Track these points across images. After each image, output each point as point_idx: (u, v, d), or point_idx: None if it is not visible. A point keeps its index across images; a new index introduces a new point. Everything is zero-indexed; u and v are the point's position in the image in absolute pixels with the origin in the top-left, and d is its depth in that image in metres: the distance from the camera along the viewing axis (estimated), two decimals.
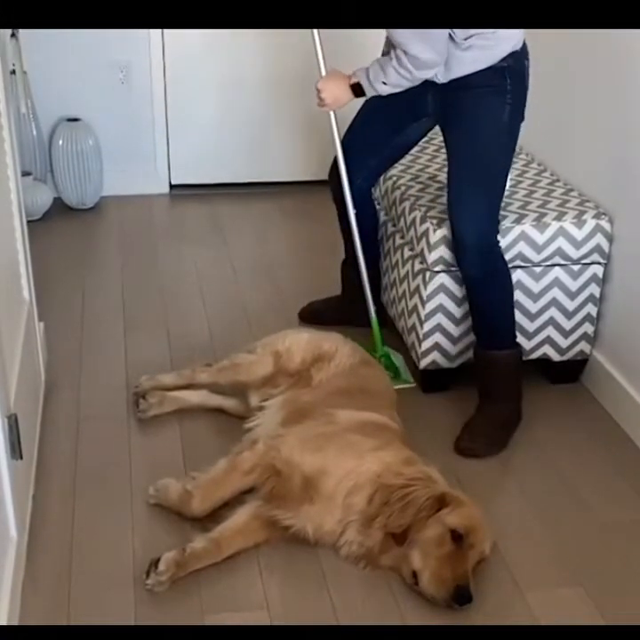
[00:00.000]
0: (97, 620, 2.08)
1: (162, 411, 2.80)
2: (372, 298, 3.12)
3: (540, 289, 2.94)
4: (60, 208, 4.33)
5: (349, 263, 3.26)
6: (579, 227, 2.89)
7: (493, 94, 2.63)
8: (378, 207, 3.26)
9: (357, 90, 2.75)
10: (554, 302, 2.96)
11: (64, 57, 4.20)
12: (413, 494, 2.20)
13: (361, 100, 2.88)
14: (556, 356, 3.03)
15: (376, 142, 2.94)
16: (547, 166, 3.33)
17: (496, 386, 2.79)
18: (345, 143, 2.97)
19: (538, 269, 2.92)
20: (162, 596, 2.15)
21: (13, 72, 3.93)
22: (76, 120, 4.30)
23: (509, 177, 2.83)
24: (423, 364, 2.98)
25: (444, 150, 2.97)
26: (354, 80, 2.75)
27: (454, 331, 2.94)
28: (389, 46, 2.72)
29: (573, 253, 2.91)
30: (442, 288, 2.88)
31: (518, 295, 2.88)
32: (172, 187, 4.60)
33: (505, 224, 2.83)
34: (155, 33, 4.28)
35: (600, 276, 2.95)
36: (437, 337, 2.94)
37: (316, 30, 2.89)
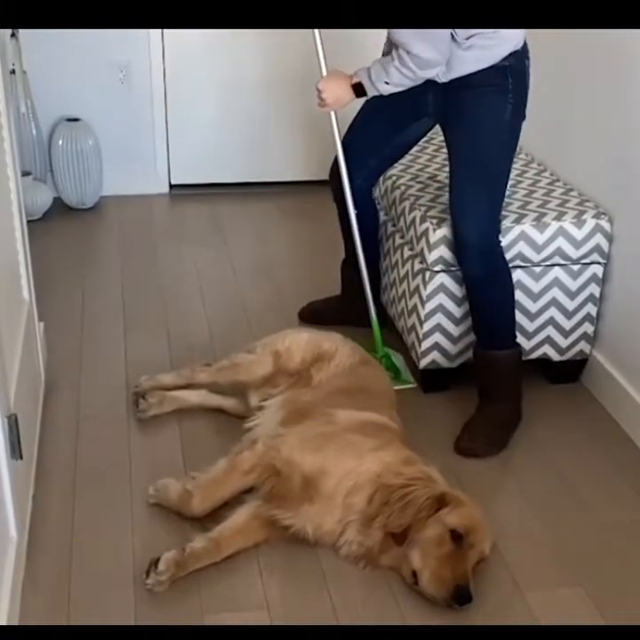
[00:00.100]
0: (97, 620, 2.08)
1: (161, 410, 2.80)
2: (372, 298, 3.12)
3: (540, 289, 2.94)
4: (59, 208, 4.33)
5: (349, 263, 3.26)
6: (578, 226, 2.89)
7: (495, 93, 2.63)
8: (377, 207, 3.26)
9: (359, 90, 2.75)
10: (553, 302, 2.96)
11: (64, 57, 4.20)
12: (413, 494, 2.20)
13: (361, 100, 2.88)
14: (555, 356, 3.03)
15: (376, 142, 2.94)
16: (546, 166, 3.33)
17: (496, 386, 2.79)
18: (345, 143, 2.97)
19: (537, 269, 2.92)
20: (162, 596, 2.15)
21: (13, 72, 3.93)
22: (75, 120, 4.30)
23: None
24: (423, 363, 2.98)
25: (443, 150, 2.97)
26: (355, 80, 2.75)
27: (454, 330, 2.94)
28: (390, 46, 2.72)
29: (573, 253, 2.91)
30: (441, 288, 2.88)
31: (518, 295, 2.88)
32: (171, 186, 4.61)
33: (505, 224, 2.83)
34: (154, 33, 4.28)
35: (600, 275, 2.95)
36: (437, 337, 2.94)
37: (316, 30, 2.89)
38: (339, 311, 3.32)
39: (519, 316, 2.90)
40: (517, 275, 2.88)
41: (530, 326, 2.97)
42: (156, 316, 3.44)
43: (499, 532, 2.34)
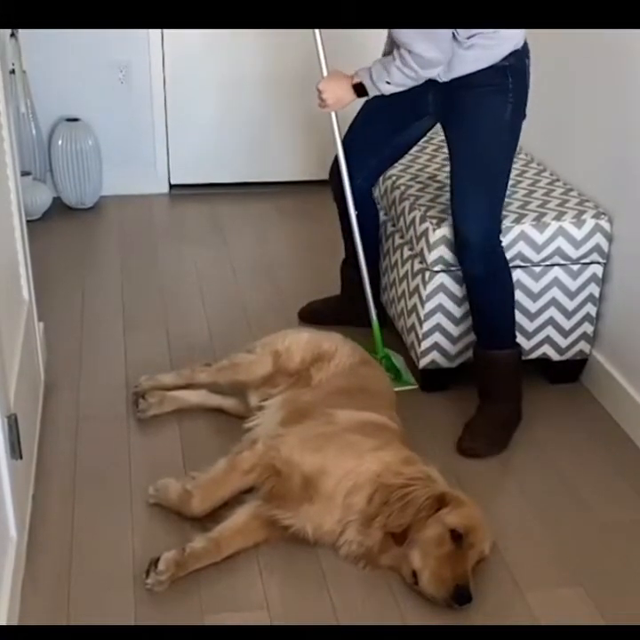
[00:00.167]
0: (97, 620, 2.08)
1: (161, 410, 2.80)
2: (373, 299, 3.11)
3: (540, 289, 2.94)
4: (59, 208, 4.33)
5: (349, 263, 3.26)
6: (578, 226, 2.89)
7: (495, 93, 2.63)
8: (377, 207, 3.26)
9: (360, 90, 2.75)
10: (553, 302, 2.96)
11: (63, 57, 4.20)
12: (413, 494, 2.20)
13: (361, 100, 2.87)
14: (555, 356, 3.03)
15: (377, 142, 2.93)
16: (546, 166, 3.33)
17: (496, 386, 2.79)
18: (345, 143, 2.97)
19: (537, 269, 2.92)
20: (161, 596, 2.15)
21: (13, 72, 3.93)
22: (75, 120, 4.30)
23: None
24: (422, 363, 2.98)
25: (443, 150, 2.97)
26: (356, 80, 2.74)
27: (454, 330, 2.94)
28: (390, 46, 2.71)
29: (573, 253, 2.91)
30: (441, 288, 2.88)
31: (518, 295, 2.88)
32: (171, 186, 4.60)
33: (505, 223, 2.83)
34: (154, 33, 4.28)
35: (599, 275, 2.95)
36: (437, 337, 2.94)
37: (317, 30, 2.88)
38: (338, 311, 3.32)
39: (519, 316, 2.90)
40: (517, 274, 2.88)
41: (529, 326, 2.97)
42: (155, 315, 3.44)
43: (498, 531, 2.34)
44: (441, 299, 2.90)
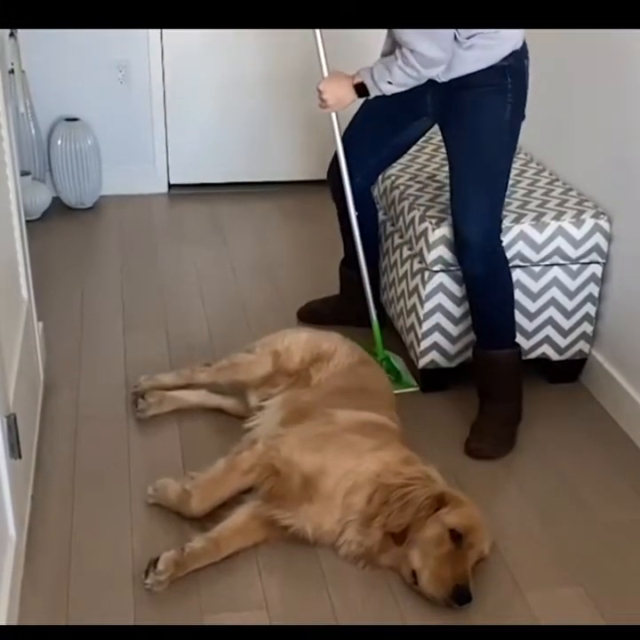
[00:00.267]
0: (96, 620, 2.08)
1: (161, 410, 2.80)
2: (373, 299, 3.11)
3: (539, 288, 2.94)
4: (58, 208, 4.33)
5: (348, 262, 3.26)
6: (577, 226, 2.89)
7: (494, 93, 2.63)
8: (377, 206, 3.26)
9: (361, 90, 2.74)
10: (553, 302, 2.96)
11: (63, 56, 4.20)
12: (412, 494, 2.20)
13: (360, 100, 2.87)
14: (554, 356, 3.03)
15: (375, 141, 2.93)
16: (545, 166, 3.32)
17: (496, 386, 2.79)
18: (344, 142, 2.96)
19: (537, 269, 2.92)
20: (161, 596, 2.14)
21: (12, 71, 3.93)
22: (74, 120, 4.30)
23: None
24: (422, 363, 2.97)
25: (442, 150, 2.97)
26: (357, 80, 2.73)
27: (453, 330, 2.94)
28: (390, 46, 2.71)
29: (572, 253, 2.90)
30: (441, 287, 2.88)
31: (517, 294, 2.88)
32: (170, 186, 4.60)
33: (504, 223, 2.82)
34: (153, 32, 4.28)
35: (599, 275, 2.95)
36: (436, 336, 2.94)
37: (318, 31, 2.88)
38: (337, 311, 3.32)
39: (518, 316, 2.90)
40: (516, 274, 2.88)
41: (529, 326, 2.97)
42: (155, 315, 3.44)
43: (498, 531, 2.34)
44: (440, 298, 2.90)
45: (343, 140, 2.97)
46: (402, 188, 3.16)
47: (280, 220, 4.36)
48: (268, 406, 2.66)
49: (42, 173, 4.30)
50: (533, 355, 3.01)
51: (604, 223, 2.90)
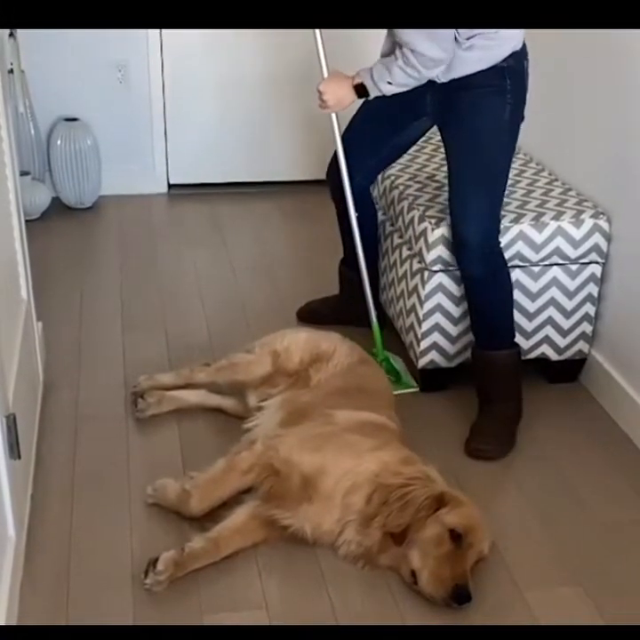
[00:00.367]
0: (95, 620, 2.08)
1: (160, 410, 2.80)
2: (372, 300, 3.11)
3: (539, 288, 2.94)
4: (58, 207, 4.33)
5: (348, 262, 3.25)
6: (577, 226, 2.89)
7: (494, 94, 2.63)
8: (376, 206, 3.26)
9: (361, 91, 2.73)
10: (552, 302, 2.96)
11: (62, 56, 4.20)
12: (412, 494, 2.19)
13: (360, 100, 2.87)
14: (554, 356, 3.03)
15: (375, 142, 2.93)
16: (545, 166, 3.33)
17: (495, 386, 2.79)
18: (344, 142, 2.96)
19: (536, 269, 2.92)
20: (160, 596, 2.14)
21: (11, 71, 3.93)
22: (74, 120, 4.30)
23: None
24: (421, 363, 2.97)
25: (441, 150, 2.97)
26: (357, 81, 2.73)
27: (452, 330, 2.94)
28: (390, 47, 2.70)
29: (571, 253, 2.91)
30: (440, 287, 2.88)
31: (516, 294, 2.88)
32: (170, 186, 4.60)
33: (503, 223, 2.82)
34: (152, 32, 4.28)
35: (598, 275, 2.95)
36: (436, 336, 2.94)
37: (318, 31, 2.88)
38: (337, 311, 3.32)
39: (517, 316, 2.90)
40: (516, 274, 2.88)
41: (528, 326, 2.97)
42: (154, 315, 3.44)
43: (498, 531, 2.34)
44: (440, 298, 2.90)
45: (343, 140, 2.97)
46: (401, 187, 3.16)
47: (280, 220, 4.36)
48: (268, 407, 2.66)
49: (41, 173, 4.30)
50: (533, 355, 3.01)
51: (603, 223, 2.90)
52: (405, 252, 3.05)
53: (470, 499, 2.28)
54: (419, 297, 2.92)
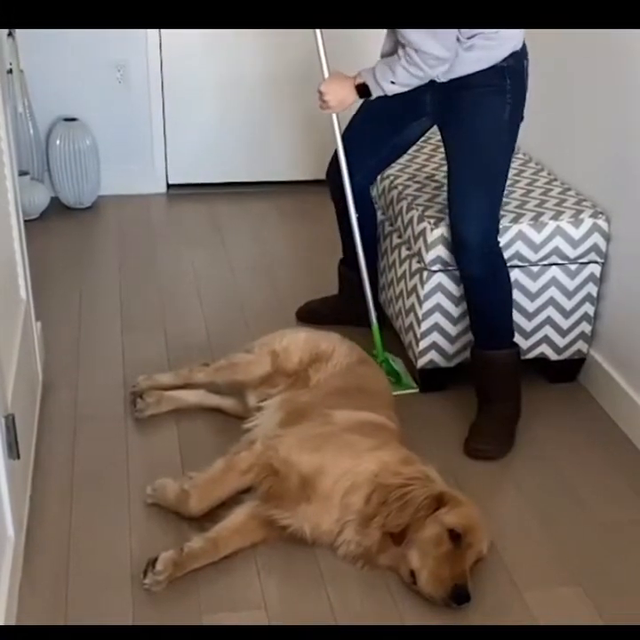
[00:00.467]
0: (94, 620, 2.08)
1: (159, 410, 2.80)
2: (372, 300, 3.10)
3: (538, 288, 2.94)
4: (57, 207, 4.32)
5: (347, 262, 3.25)
6: (576, 226, 2.89)
7: (494, 94, 2.63)
8: (375, 206, 3.25)
9: (363, 91, 2.73)
10: (551, 301, 2.96)
11: (61, 56, 4.20)
12: (411, 494, 2.19)
13: (359, 101, 2.86)
14: (553, 356, 3.03)
15: (375, 142, 2.93)
16: (544, 165, 3.32)
17: (495, 386, 2.79)
18: (344, 142, 2.96)
19: (535, 269, 2.92)
20: (159, 596, 2.14)
21: (10, 71, 3.93)
22: (73, 120, 4.30)
23: None
24: (421, 363, 2.97)
25: (441, 150, 2.97)
26: (359, 81, 2.72)
27: (452, 330, 2.94)
28: (390, 47, 2.70)
29: (570, 252, 2.91)
30: (439, 287, 2.88)
31: (515, 294, 2.88)
32: (169, 186, 4.60)
33: (502, 223, 2.82)
34: (152, 32, 4.27)
35: (597, 275, 2.95)
36: (435, 336, 2.94)
37: (318, 31, 2.87)
38: (336, 311, 3.31)
39: (516, 316, 2.90)
40: (515, 274, 2.88)
41: (527, 326, 2.97)
42: (153, 315, 3.44)
43: (497, 531, 2.34)
44: (439, 298, 2.90)
45: (343, 139, 2.96)
46: (400, 187, 3.16)
47: (279, 220, 4.36)
48: (267, 407, 2.65)
49: (40, 173, 4.30)
50: (532, 354, 3.01)
51: (602, 223, 2.90)
52: (404, 252, 3.05)
53: (469, 499, 2.28)
54: (418, 297, 2.92)
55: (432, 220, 2.86)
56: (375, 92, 2.72)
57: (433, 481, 2.27)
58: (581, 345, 3.02)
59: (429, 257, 2.84)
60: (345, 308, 3.29)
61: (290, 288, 3.64)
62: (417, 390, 3.01)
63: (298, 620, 2.11)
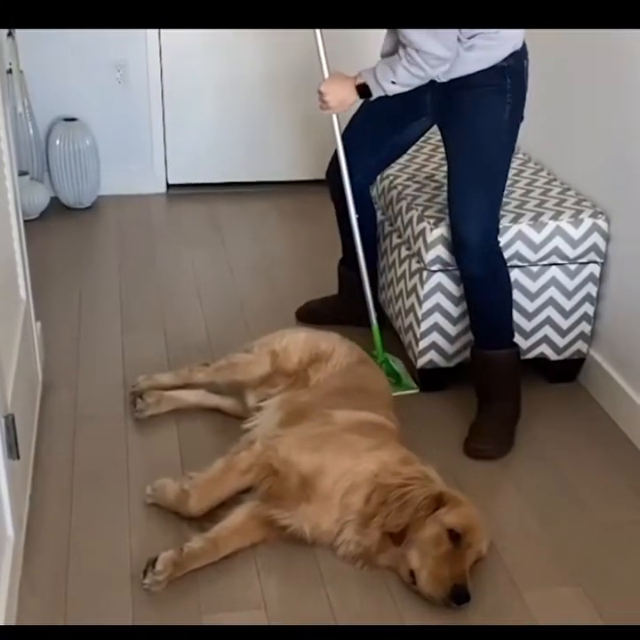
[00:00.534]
0: (94, 620, 2.08)
1: (159, 410, 2.80)
2: (372, 301, 3.10)
3: (537, 288, 2.94)
4: (57, 207, 4.32)
5: (347, 262, 3.25)
6: (576, 226, 2.89)
7: (494, 94, 2.63)
8: (375, 206, 3.25)
9: (363, 91, 2.73)
10: (551, 301, 2.96)
11: (61, 56, 4.20)
12: (411, 494, 2.19)
13: (359, 101, 2.86)
14: (553, 356, 3.03)
15: (375, 142, 2.93)
16: (544, 165, 3.33)
17: (494, 386, 2.79)
18: (343, 142, 2.96)
19: (535, 268, 2.92)
20: (159, 596, 2.14)
21: (10, 71, 3.93)
22: (72, 120, 4.30)
23: None
24: (420, 363, 2.97)
25: (440, 150, 2.97)
26: (359, 81, 2.72)
27: (451, 330, 2.94)
28: (390, 47, 2.70)
29: (570, 252, 2.91)
30: (439, 287, 2.88)
31: (515, 294, 2.88)
32: (169, 186, 4.60)
33: (502, 223, 2.82)
34: (151, 32, 4.27)
35: (597, 275, 2.95)
36: (434, 336, 2.94)
37: (318, 31, 2.87)
38: (336, 311, 3.31)
39: (516, 316, 2.90)
40: (514, 274, 2.88)
41: (527, 325, 2.97)
42: (153, 315, 3.44)
43: (496, 531, 2.34)
44: (438, 298, 2.90)
45: (342, 139, 2.96)
46: (400, 187, 3.16)
47: (278, 220, 4.36)
48: (267, 407, 2.65)
49: (40, 173, 4.30)
50: (532, 354, 3.01)
51: (602, 223, 2.90)
52: (404, 252, 3.05)
53: (469, 498, 2.28)
54: (417, 297, 2.92)
55: (432, 220, 2.87)
56: (376, 93, 2.71)
57: (432, 481, 2.27)
58: (581, 345, 3.02)
59: (429, 257, 2.84)
60: (345, 308, 3.29)
61: (290, 288, 3.64)
62: (416, 391, 3.01)
63: (297, 620, 2.11)
